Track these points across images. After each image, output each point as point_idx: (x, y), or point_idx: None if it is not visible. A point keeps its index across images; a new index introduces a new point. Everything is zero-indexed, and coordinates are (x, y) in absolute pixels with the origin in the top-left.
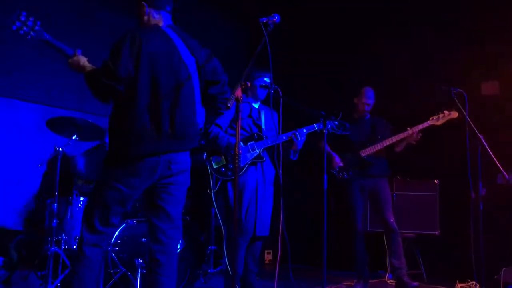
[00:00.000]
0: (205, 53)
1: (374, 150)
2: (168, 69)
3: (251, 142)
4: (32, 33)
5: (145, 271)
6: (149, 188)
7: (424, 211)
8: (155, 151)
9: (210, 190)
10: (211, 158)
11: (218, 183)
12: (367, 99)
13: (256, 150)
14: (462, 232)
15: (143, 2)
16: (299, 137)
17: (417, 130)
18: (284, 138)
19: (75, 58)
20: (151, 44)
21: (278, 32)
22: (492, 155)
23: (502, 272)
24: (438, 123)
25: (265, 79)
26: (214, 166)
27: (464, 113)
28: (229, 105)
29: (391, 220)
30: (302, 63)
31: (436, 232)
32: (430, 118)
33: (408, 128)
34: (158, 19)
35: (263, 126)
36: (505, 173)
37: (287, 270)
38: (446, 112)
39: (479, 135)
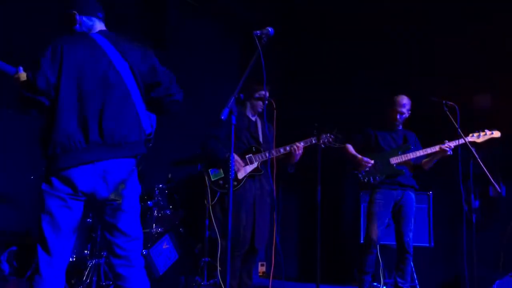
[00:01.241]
0: (141, 55)
1: (405, 159)
2: (95, 76)
3: (249, 155)
4: None
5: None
6: (93, 203)
7: (417, 224)
8: (83, 160)
9: (207, 203)
10: (209, 170)
11: (216, 196)
12: (400, 107)
13: (255, 163)
14: (455, 244)
15: (72, 10)
16: (297, 150)
17: (453, 145)
18: (282, 151)
19: (15, 76)
20: (75, 53)
21: (280, 45)
22: (484, 168)
23: (495, 285)
24: (478, 140)
25: (263, 92)
26: (212, 179)
27: (456, 125)
28: (222, 117)
29: (408, 239)
30: (304, 76)
31: (429, 244)
32: (470, 135)
33: (446, 141)
34: (90, 26)
35: (260, 139)
36: (497, 186)
37: (281, 283)
38: (487, 131)
39: (471, 148)
